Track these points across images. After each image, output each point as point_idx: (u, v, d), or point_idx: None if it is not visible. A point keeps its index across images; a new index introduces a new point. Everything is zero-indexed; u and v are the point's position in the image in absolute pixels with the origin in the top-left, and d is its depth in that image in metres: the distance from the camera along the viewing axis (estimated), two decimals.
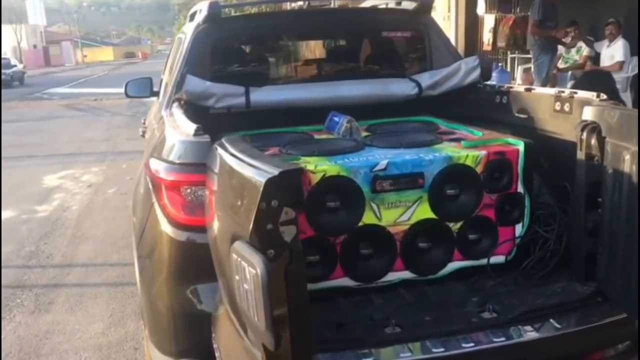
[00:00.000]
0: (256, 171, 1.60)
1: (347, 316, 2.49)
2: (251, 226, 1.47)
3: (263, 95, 3.51)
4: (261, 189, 1.48)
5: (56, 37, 75.83)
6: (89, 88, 27.94)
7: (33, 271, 5.29)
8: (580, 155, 2.59)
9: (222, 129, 3.36)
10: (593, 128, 2.53)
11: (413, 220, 2.70)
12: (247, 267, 1.54)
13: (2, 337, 4.07)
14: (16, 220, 6.92)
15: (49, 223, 6.73)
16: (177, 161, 2.36)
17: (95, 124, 15.45)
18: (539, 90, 3.22)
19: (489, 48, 13.25)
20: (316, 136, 3.26)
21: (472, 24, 13.99)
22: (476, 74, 3.72)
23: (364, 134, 3.27)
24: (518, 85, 10.80)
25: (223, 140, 2.25)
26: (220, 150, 2.17)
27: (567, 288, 2.65)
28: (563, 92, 2.99)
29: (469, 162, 2.71)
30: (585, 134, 2.55)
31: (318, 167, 2.56)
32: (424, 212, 2.70)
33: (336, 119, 3.26)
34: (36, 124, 16.06)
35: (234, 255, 1.63)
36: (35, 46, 63.96)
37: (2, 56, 35.37)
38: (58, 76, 42.67)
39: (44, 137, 13.41)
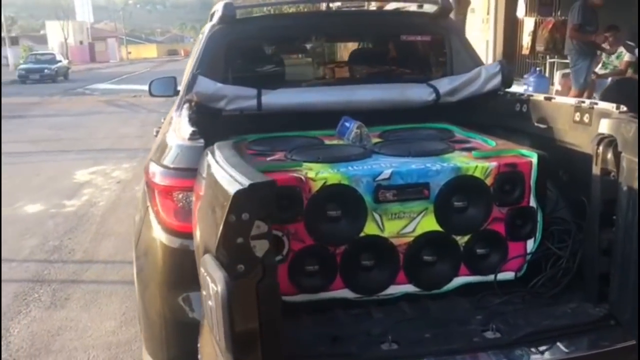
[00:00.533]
0: (230, 181, 1.54)
1: (343, 330, 2.41)
2: (217, 240, 1.41)
3: (275, 98, 3.45)
4: (229, 200, 1.42)
5: (102, 33, 77.53)
6: (129, 85, 28.41)
7: (54, 266, 5.34)
8: (596, 170, 2.45)
9: (232, 131, 3.32)
10: (610, 142, 2.39)
11: (417, 232, 2.60)
12: (210, 283, 1.48)
13: (17, 331, 4.11)
14: (44, 214, 7.03)
15: (75, 218, 6.81)
16: (172, 166, 2.32)
17: (132, 120, 15.68)
18: (558, 99, 3.08)
19: (528, 52, 12.95)
20: (327, 142, 3.19)
21: (512, 27, 13.72)
22: (497, 80, 3.59)
23: (376, 140, 3.19)
24: (557, 91, 10.53)
25: (215, 145, 2.20)
26: (208, 156, 2.12)
27: (578, 309, 2.51)
28: (583, 102, 2.85)
29: (478, 174, 2.60)
30: (601, 148, 2.42)
31: (319, 174, 2.49)
32: (430, 224, 2.60)
33: (347, 124, 3.18)
34: (75, 119, 16.37)
35: (202, 269, 1.57)
36: (81, 42, 65.47)
37: (48, 51, 36.26)
38: (101, 72, 43.60)
39: (81, 132, 13.66)
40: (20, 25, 77.86)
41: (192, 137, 2.35)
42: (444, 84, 3.61)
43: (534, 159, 2.65)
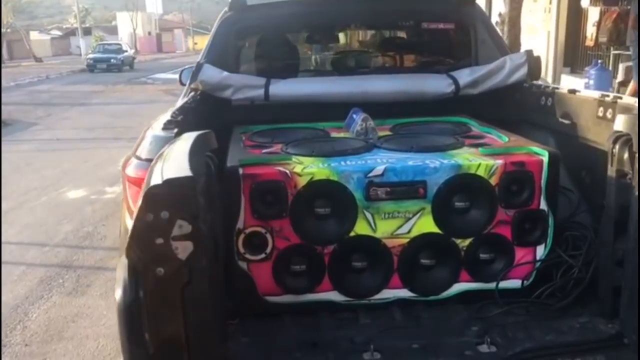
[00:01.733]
0: (156, 176, 1.42)
1: (325, 335, 2.27)
2: (127, 239, 1.29)
3: (283, 88, 3.32)
4: (141, 197, 1.30)
5: (170, 24, 79.18)
6: None
7: (83, 252, 5.41)
8: (611, 171, 2.21)
9: (238, 121, 3.22)
10: (626, 141, 2.14)
11: (413, 234, 2.42)
12: (115, 287, 1.37)
13: (35, 316, 4.16)
14: (84, 200, 7.16)
15: (113, 205, 6.88)
16: (143, 157, 2.22)
17: None
18: (583, 93, 2.81)
19: (592, 43, 12.28)
20: (334, 134, 3.03)
21: (575, 17, 13.08)
22: (523, 72, 3.33)
23: (386, 133, 3.01)
24: (619, 85, 9.93)
25: (183, 135, 2.08)
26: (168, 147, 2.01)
27: (588, 325, 2.28)
28: (607, 96, 2.58)
29: (481, 172, 2.39)
30: (617, 147, 2.17)
31: (306, 169, 2.35)
32: (427, 225, 2.41)
33: (355, 116, 3.01)
34: (132, 107, 16.72)
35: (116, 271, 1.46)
36: (149, 33, 67.14)
37: (115, 42, 37.32)
38: (166, 62, 44.49)
39: (135, 121, 13.87)
40: (93, 17, 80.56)
41: (166, 127, 2.25)
42: (465, 75, 3.38)
43: (545, 158, 2.41)
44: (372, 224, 2.39)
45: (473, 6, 3.60)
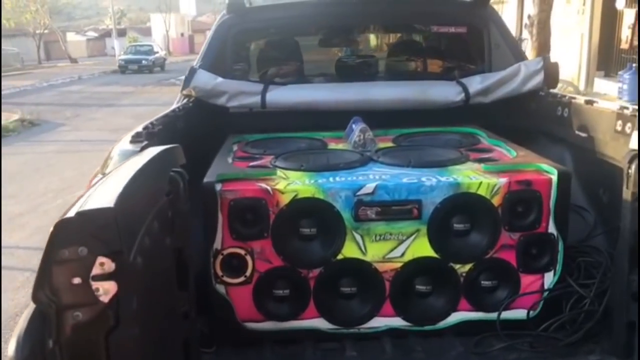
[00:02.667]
0: (77, 204, 1.25)
1: None
2: (35, 279, 1.12)
3: (281, 95, 3.14)
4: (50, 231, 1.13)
5: (203, 26, 79.61)
6: None
7: None
8: (627, 194, 1.97)
9: (236, 129, 3.06)
10: None
11: (407, 258, 2.22)
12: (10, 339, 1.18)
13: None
14: None
15: None
16: (107, 171, 2.06)
17: None
18: (600, 103, 2.56)
19: (627, 46, 11.87)
20: (332, 145, 2.84)
21: (610, 19, 12.63)
22: (538, 79, 3.08)
23: (387, 144, 2.80)
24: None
25: (146, 150, 1.92)
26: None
27: None
28: (626, 108, 2.34)
29: (482, 192, 2.17)
30: (633, 168, 1.93)
31: (289, 186, 2.16)
32: (422, 248, 2.21)
33: (354, 126, 2.82)
34: (160, 108, 16.54)
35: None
36: (182, 34, 67.68)
37: (147, 43, 37.61)
38: None
39: None
40: (129, 18, 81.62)
41: (134, 140, 2.08)
42: (476, 83, 3.15)
43: (554, 176, 2.18)
44: (362, 247, 2.20)
45: (486, 8, 3.36)
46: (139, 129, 2.18)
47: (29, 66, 38.33)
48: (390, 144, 2.84)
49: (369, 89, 3.14)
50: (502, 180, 2.18)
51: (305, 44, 3.71)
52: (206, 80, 3.08)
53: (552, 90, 3.08)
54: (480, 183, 2.17)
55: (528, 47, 10.37)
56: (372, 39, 3.54)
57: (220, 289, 2.20)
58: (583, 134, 2.63)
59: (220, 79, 3.11)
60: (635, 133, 1.97)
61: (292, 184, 2.18)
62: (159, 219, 1.60)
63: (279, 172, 2.30)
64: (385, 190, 2.16)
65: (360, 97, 3.10)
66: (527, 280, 2.26)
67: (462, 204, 2.19)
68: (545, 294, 2.25)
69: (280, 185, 2.16)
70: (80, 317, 1.15)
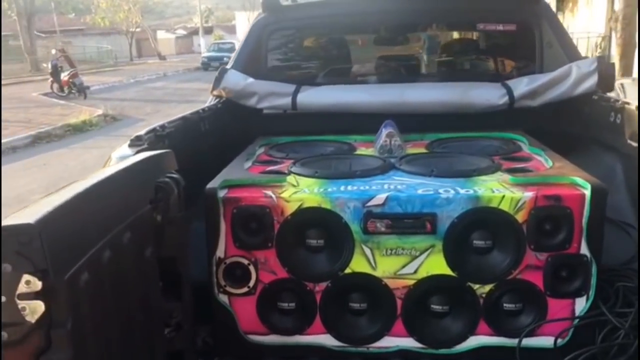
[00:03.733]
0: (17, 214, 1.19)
1: None
2: None
3: (313, 97, 3.02)
4: None
5: None
6: None
7: None
8: None
9: (267, 132, 2.99)
10: None
11: (421, 275, 2.06)
12: None
13: None
14: None
15: None
16: None
17: None
18: None
19: None
20: (362, 149, 2.70)
21: None
22: (591, 81, 2.81)
23: (419, 150, 2.64)
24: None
25: (137, 155, 1.86)
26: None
27: None
28: None
29: (505, 206, 1.98)
30: None
31: (295, 195, 2.05)
32: (437, 265, 2.04)
33: (383, 130, 2.67)
34: None
35: None
36: None
37: (228, 41, 38.42)
38: None
39: None
40: (216, 16, 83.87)
41: (132, 144, 2.02)
42: (522, 85, 2.91)
43: (587, 191, 1.96)
44: (372, 261, 2.06)
45: (538, 3, 3.10)
46: (142, 132, 2.13)
47: (121, 63, 40.09)
48: (422, 150, 2.67)
49: (405, 91, 2.97)
50: (528, 195, 1.98)
51: (343, 44, 3.57)
52: (236, 80, 3.01)
53: (605, 94, 2.80)
54: (503, 197, 1.98)
55: (612, 44, 9.73)
56: (415, 39, 3.34)
57: (224, 299, 2.12)
58: (634, 143, 2.36)
59: (251, 80, 3.03)
60: None
61: (299, 192, 2.07)
62: (135, 229, 1.54)
63: (291, 179, 2.20)
64: (397, 202, 2.01)
65: (395, 99, 2.94)
66: (556, 305, 2.04)
67: (483, 219, 2.01)
68: (576, 321, 2.03)
69: (286, 194, 2.05)
70: (6, 337, 1.09)
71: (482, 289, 2.05)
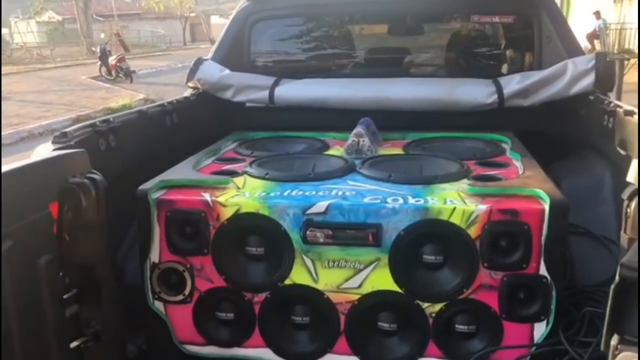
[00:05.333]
0: None
1: None
2: None
3: (290, 90, 2.87)
4: None
5: None
6: None
7: None
8: (623, 240, 1.53)
9: (243, 126, 2.87)
10: None
11: (366, 290, 1.90)
12: None
13: None
14: None
15: None
16: None
17: None
18: None
19: None
20: (336, 147, 2.54)
21: None
22: (588, 80, 2.56)
23: (395, 151, 2.47)
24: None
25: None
26: None
27: None
28: None
29: (455, 219, 1.80)
30: (632, 207, 1.49)
31: (232, 198, 1.92)
32: (383, 281, 1.88)
33: (355, 129, 2.50)
34: None
35: None
36: None
37: None
38: None
39: None
40: None
41: (55, 141, 1.91)
42: (513, 83, 2.68)
43: (547, 206, 1.75)
44: (313, 273, 1.91)
45: None
46: (74, 127, 2.02)
47: (174, 47, 40.61)
48: (398, 151, 2.49)
49: (387, 86, 2.79)
50: (481, 208, 1.79)
51: (328, 35, 3.39)
52: (212, 72, 2.89)
53: (602, 96, 2.54)
54: (454, 209, 1.80)
55: None
56: (403, 30, 3.12)
57: (159, 306, 2.01)
58: (622, 152, 2.13)
59: (227, 71, 2.90)
60: (634, 162, 1.51)
61: (238, 196, 1.93)
62: (19, 237, 1.44)
63: (239, 180, 2.07)
64: (339, 211, 1.86)
65: (376, 95, 2.76)
66: (512, 330, 1.85)
67: (431, 232, 1.83)
68: (533, 349, 1.83)
69: (223, 197, 1.92)
70: None
71: (432, 308, 1.88)
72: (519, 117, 2.73)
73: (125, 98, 14.09)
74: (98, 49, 19.17)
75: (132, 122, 2.32)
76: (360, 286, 1.90)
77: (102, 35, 20.12)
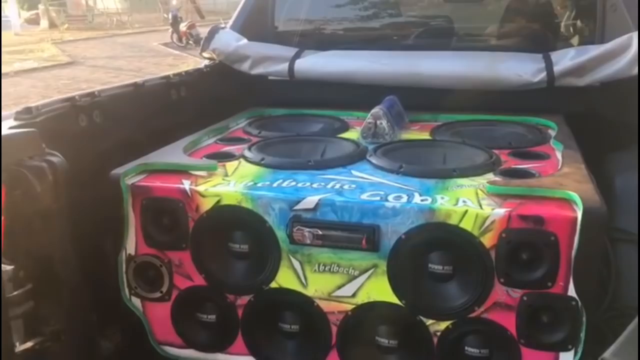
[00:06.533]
0: None
1: None
2: None
3: (313, 63, 2.59)
4: None
5: None
6: None
7: None
8: None
9: (268, 101, 2.64)
10: None
11: (361, 300, 1.64)
12: None
13: None
14: None
15: None
16: None
17: None
18: None
19: None
20: (356, 128, 2.27)
21: None
22: None
23: (422, 136, 2.17)
24: None
25: None
26: None
27: None
28: None
29: (467, 225, 1.50)
30: None
31: (212, 188, 1.69)
32: (380, 290, 1.62)
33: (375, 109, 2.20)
34: None
35: None
36: None
37: None
38: None
39: None
40: None
41: (17, 117, 1.72)
42: (567, 58, 2.29)
43: (579, 214, 1.42)
44: (302, 277, 1.66)
45: None
46: (43, 102, 1.82)
47: None
48: (424, 135, 2.19)
49: (419, 61, 2.46)
50: (498, 212, 1.48)
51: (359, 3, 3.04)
52: (228, 41, 2.64)
53: None
54: (466, 212, 1.50)
55: None
56: None
57: (135, 302, 1.82)
58: None
59: (244, 41, 2.65)
60: None
61: (221, 185, 1.70)
62: None
63: (230, 166, 1.84)
64: (331, 208, 1.59)
65: (406, 70, 2.44)
66: (533, 358, 1.55)
67: (438, 238, 1.54)
68: None
69: (203, 187, 1.69)
70: None
71: (437, 326, 1.60)
72: (571, 98, 2.35)
73: (191, 65, 14.10)
74: (170, 16, 19.30)
75: (124, 96, 2.12)
76: (354, 295, 1.64)
77: (174, 2, 20.20)
